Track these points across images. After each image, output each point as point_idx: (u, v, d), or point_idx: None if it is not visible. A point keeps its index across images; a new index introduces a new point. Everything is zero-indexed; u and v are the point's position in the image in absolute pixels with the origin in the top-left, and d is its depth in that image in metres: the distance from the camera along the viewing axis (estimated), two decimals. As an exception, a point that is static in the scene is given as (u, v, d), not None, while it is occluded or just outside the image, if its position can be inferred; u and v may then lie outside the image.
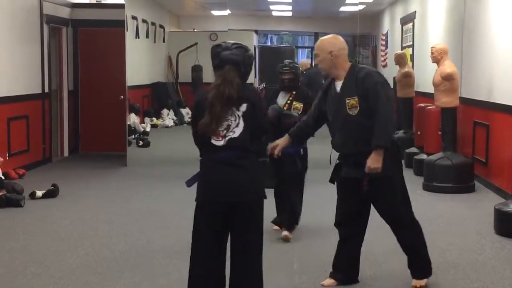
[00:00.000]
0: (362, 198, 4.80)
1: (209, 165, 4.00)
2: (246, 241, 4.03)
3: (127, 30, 11.37)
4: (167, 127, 16.28)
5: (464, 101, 9.47)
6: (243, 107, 3.94)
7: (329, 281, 4.99)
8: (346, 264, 5.01)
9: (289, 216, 6.28)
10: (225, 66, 3.97)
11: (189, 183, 4.09)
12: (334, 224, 5.04)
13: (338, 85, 4.81)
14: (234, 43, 4.06)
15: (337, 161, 4.93)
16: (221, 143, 3.94)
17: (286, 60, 6.67)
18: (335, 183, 4.99)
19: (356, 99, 4.68)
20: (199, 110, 4.01)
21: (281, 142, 5.09)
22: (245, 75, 4.04)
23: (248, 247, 4.04)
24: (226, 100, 3.89)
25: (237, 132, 3.94)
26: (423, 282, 4.93)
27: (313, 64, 15.62)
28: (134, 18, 13.09)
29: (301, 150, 6.26)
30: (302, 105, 6.32)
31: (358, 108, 4.67)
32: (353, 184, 4.79)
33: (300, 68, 6.66)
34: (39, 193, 8.09)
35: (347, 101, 4.70)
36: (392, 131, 4.80)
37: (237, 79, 3.94)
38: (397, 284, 5.02)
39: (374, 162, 4.65)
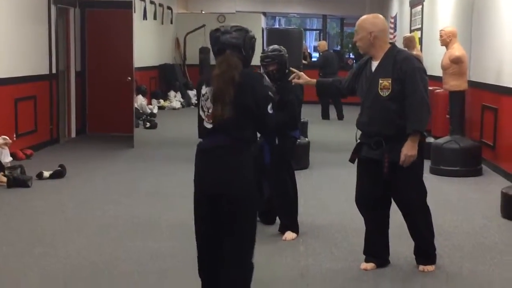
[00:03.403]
0: (381, 179, 4.79)
1: (198, 151, 3.85)
2: (228, 235, 3.78)
3: (134, 12, 11.35)
4: (174, 109, 16.31)
5: (473, 84, 9.43)
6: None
7: (370, 265, 4.96)
8: (378, 248, 5.00)
9: (282, 220, 5.89)
10: (226, 51, 3.78)
11: None
12: (356, 204, 5.04)
13: (374, 65, 4.82)
14: (233, 26, 3.86)
15: (358, 141, 4.92)
16: (210, 125, 3.76)
17: (269, 48, 5.93)
18: (355, 163, 4.97)
19: (390, 81, 4.69)
20: (199, 90, 3.89)
21: (304, 78, 5.13)
22: (246, 58, 3.82)
23: (229, 241, 3.78)
24: (235, 86, 3.69)
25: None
26: (430, 267, 4.94)
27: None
28: (142, -1, 13.08)
29: (276, 139, 5.69)
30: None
31: (390, 90, 4.69)
32: (373, 165, 4.79)
33: (284, 54, 5.84)
34: (46, 174, 8.12)
35: (380, 82, 4.72)
36: (427, 118, 4.75)
37: (240, 64, 3.75)
38: (403, 266, 5.03)
39: (410, 149, 4.67)
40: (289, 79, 5.18)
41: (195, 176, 3.87)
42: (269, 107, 3.78)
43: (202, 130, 3.84)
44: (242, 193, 3.76)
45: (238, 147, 3.76)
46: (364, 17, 4.91)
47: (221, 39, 3.80)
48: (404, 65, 4.70)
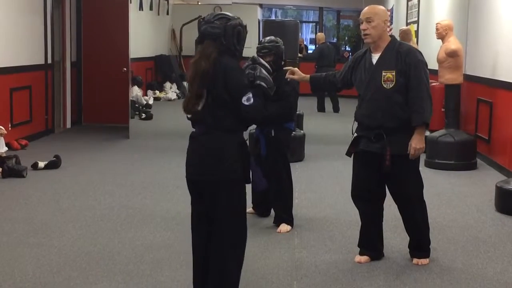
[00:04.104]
0: (379, 172, 4.78)
1: (189, 138, 3.89)
2: (214, 224, 3.78)
3: (130, 2, 11.31)
4: (170, 100, 16.28)
5: (468, 78, 9.44)
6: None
7: (364, 258, 4.97)
8: (373, 241, 5.01)
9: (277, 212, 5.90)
10: (204, 41, 3.73)
11: None
12: (351, 197, 5.05)
13: (375, 57, 4.79)
14: (217, 14, 3.76)
15: (355, 135, 4.90)
16: (189, 115, 3.80)
17: (266, 39, 5.95)
18: (352, 156, 4.96)
19: (394, 73, 4.67)
20: None
21: (299, 74, 5.09)
22: (229, 47, 3.72)
23: (214, 230, 3.78)
24: (202, 76, 3.66)
25: (200, 105, 3.71)
26: (424, 261, 4.96)
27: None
28: (138, -11, 13.03)
29: (272, 131, 5.71)
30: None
31: (394, 82, 4.67)
32: (370, 158, 4.78)
33: (281, 45, 5.88)
34: (41, 164, 8.11)
35: (383, 74, 4.69)
36: (431, 110, 4.72)
37: (215, 54, 3.68)
38: (397, 259, 5.04)
39: (419, 142, 4.67)
40: (286, 77, 5.16)
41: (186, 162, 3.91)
42: (245, 98, 3.66)
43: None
44: (221, 180, 3.72)
45: (218, 135, 3.72)
46: (373, 5, 4.85)
47: (201, 29, 3.75)
48: (408, 57, 4.69)
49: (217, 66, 3.68)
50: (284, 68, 5.29)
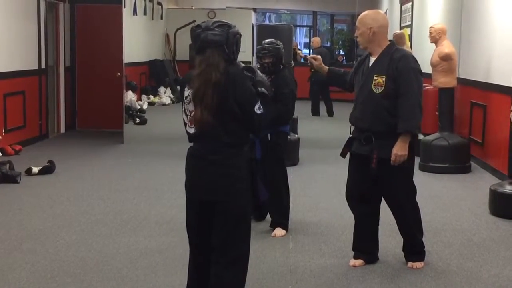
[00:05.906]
0: (369, 175, 4.79)
1: (187, 156, 3.70)
2: (217, 243, 3.62)
3: (124, 7, 11.30)
4: (164, 104, 16.28)
5: (462, 81, 9.46)
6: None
7: (358, 261, 4.97)
8: (367, 244, 5.01)
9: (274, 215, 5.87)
10: (207, 50, 3.53)
11: None
12: (346, 198, 5.05)
13: (371, 61, 4.83)
14: (215, 21, 3.58)
15: (350, 136, 4.93)
16: (192, 130, 3.60)
17: (266, 41, 5.91)
18: (346, 157, 4.98)
19: (384, 78, 4.68)
20: (182, 92, 3.70)
21: (321, 62, 5.12)
22: (230, 56, 3.56)
23: (218, 249, 3.62)
24: (215, 88, 3.48)
25: (212, 119, 3.53)
26: (419, 264, 4.97)
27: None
28: (131, -6, 13.02)
29: (269, 135, 5.65)
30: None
31: (383, 87, 4.68)
32: (362, 160, 4.80)
33: (281, 48, 5.87)
34: (35, 169, 8.09)
35: (374, 78, 4.72)
36: (419, 118, 4.72)
37: (223, 63, 3.53)
38: (392, 263, 5.04)
39: (401, 149, 4.65)
40: (307, 56, 5.17)
41: (186, 182, 3.73)
42: (257, 106, 3.56)
43: (187, 135, 3.68)
44: (235, 199, 3.60)
45: (228, 151, 3.58)
46: (365, 12, 4.90)
47: (201, 37, 3.55)
48: (400, 64, 4.69)
49: (225, 75, 3.52)
50: (308, 57, 5.30)
